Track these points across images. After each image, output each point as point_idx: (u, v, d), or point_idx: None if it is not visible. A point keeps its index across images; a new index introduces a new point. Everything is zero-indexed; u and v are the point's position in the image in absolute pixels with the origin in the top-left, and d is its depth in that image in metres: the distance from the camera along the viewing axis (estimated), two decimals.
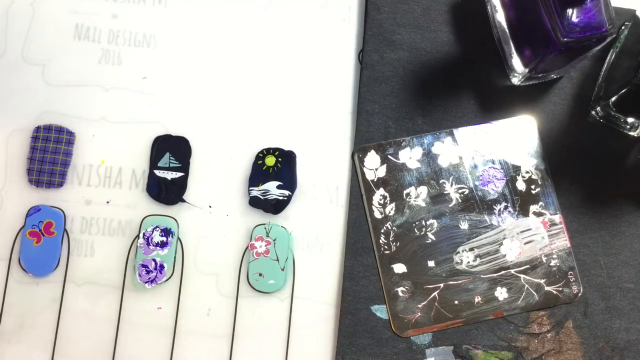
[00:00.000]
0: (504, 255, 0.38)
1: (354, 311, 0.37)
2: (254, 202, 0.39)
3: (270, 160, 0.39)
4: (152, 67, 0.40)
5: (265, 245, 0.38)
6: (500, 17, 0.39)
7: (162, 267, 0.38)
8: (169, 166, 0.39)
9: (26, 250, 0.38)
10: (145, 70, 0.40)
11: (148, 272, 0.37)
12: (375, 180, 0.38)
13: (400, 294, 0.37)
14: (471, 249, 0.38)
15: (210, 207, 0.39)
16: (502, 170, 0.39)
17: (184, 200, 0.39)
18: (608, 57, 0.39)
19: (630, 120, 0.38)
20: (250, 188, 0.39)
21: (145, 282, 0.37)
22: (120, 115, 0.40)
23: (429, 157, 0.39)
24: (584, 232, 0.39)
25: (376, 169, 0.38)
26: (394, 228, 0.38)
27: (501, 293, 0.38)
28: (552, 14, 0.34)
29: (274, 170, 0.39)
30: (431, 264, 0.38)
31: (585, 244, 0.39)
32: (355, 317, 0.37)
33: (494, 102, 0.40)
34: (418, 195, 0.38)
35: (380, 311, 0.37)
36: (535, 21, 0.35)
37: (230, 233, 0.39)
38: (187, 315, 0.38)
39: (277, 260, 0.38)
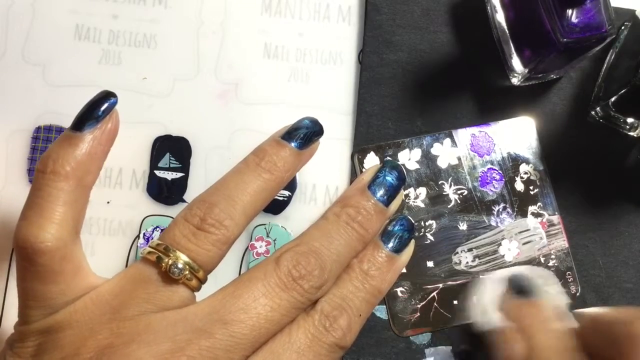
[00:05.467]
0: (503, 256, 0.38)
1: None
2: None
3: None
4: (152, 67, 0.40)
5: (266, 246, 0.38)
6: (500, 17, 0.39)
7: None
8: (169, 166, 0.39)
9: None
10: (145, 70, 0.40)
11: None
12: None
13: (400, 294, 0.38)
14: (470, 250, 0.38)
15: None
16: (500, 172, 0.39)
17: (184, 201, 0.39)
18: (608, 58, 0.39)
19: (629, 120, 0.38)
20: None
21: None
22: (120, 116, 0.40)
23: (428, 158, 0.39)
24: (582, 233, 0.39)
25: None
26: None
27: None
28: (551, 14, 0.34)
29: None
30: (430, 264, 0.38)
31: (583, 244, 0.39)
32: None
33: (493, 102, 0.40)
34: (417, 196, 0.38)
35: (380, 311, 0.38)
36: (535, 22, 0.35)
37: None
38: None
39: None
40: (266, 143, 0.33)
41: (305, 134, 0.33)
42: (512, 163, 0.39)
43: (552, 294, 0.35)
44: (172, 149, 0.39)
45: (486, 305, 0.35)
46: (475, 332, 0.35)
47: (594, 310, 0.30)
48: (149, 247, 0.29)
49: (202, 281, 0.30)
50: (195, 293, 0.30)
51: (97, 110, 0.30)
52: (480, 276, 0.37)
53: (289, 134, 0.33)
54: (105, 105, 0.30)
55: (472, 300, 0.37)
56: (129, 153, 0.39)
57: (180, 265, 0.28)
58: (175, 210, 0.39)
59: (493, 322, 0.34)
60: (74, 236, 0.29)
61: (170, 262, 0.28)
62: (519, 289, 0.34)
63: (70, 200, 0.29)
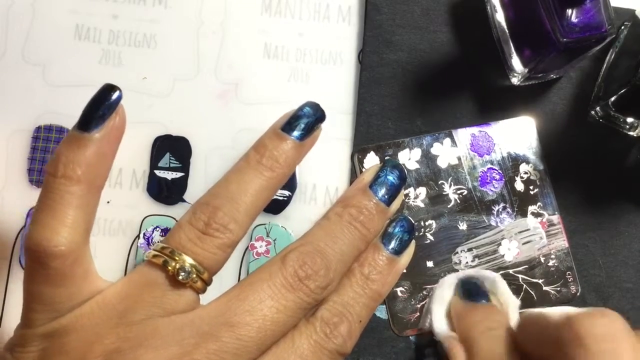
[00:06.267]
0: (502, 256, 0.38)
1: None
2: None
3: None
4: (152, 67, 0.40)
5: (266, 246, 0.38)
6: (499, 17, 0.39)
7: None
8: (169, 166, 0.39)
9: None
10: (145, 70, 0.40)
11: None
12: None
13: (399, 294, 0.38)
14: (470, 250, 0.38)
15: None
16: (500, 171, 0.39)
17: (184, 201, 0.39)
18: (607, 57, 0.39)
19: (629, 120, 0.38)
20: None
21: None
22: None
23: (427, 158, 0.39)
24: (582, 232, 0.39)
25: None
26: None
27: None
28: (551, 14, 0.34)
29: None
30: (430, 264, 0.38)
31: (583, 244, 0.39)
32: None
33: (493, 102, 0.40)
34: (417, 196, 0.38)
35: (380, 311, 0.38)
36: (535, 21, 0.35)
37: None
38: None
39: None
40: (266, 136, 0.32)
41: (307, 124, 0.32)
42: (512, 163, 0.39)
43: (500, 296, 0.35)
44: (172, 149, 0.39)
45: (436, 312, 0.35)
46: (435, 340, 0.35)
47: (534, 311, 0.30)
48: (154, 250, 0.29)
49: (207, 283, 0.30)
50: (207, 297, 0.30)
51: (102, 108, 0.29)
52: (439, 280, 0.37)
53: (289, 125, 0.32)
54: (111, 101, 0.30)
55: (427, 307, 0.37)
56: (129, 153, 0.39)
57: (187, 268, 0.28)
58: (175, 210, 0.39)
59: (441, 330, 0.34)
60: (85, 239, 0.29)
61: (177, 265, 0.28)
62: (466, 292, 0.34)
63: (82, 203, 0.29)
